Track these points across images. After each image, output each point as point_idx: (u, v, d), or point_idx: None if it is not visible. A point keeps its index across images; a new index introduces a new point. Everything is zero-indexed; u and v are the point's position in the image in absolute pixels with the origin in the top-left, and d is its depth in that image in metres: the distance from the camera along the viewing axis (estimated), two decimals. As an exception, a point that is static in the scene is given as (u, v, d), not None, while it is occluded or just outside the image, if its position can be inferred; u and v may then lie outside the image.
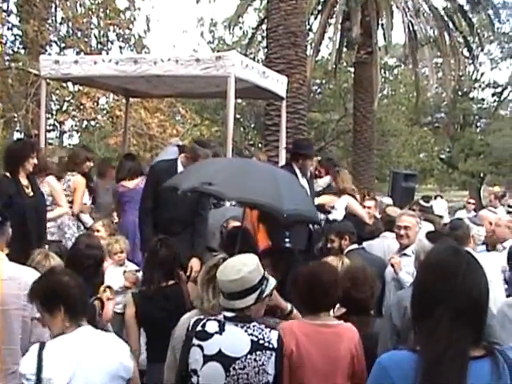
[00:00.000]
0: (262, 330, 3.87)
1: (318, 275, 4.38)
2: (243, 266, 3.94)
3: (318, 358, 4.19)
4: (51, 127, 17.59)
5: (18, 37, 16.53)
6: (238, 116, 26.93)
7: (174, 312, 4.81)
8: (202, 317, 4.04)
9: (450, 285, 2.43)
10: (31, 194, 7.29)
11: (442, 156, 40.17)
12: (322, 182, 9.51)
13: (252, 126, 30.95)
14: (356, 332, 4.38)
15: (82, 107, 15.89)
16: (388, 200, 11.76)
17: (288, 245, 7.31)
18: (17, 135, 19.17)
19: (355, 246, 6.84)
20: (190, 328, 3.95)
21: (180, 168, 7.01)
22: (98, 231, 7.45)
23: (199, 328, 3.91)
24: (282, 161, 9.49)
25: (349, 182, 9.04)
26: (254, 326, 3.88)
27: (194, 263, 6.43)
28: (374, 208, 10.18)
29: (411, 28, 22.98)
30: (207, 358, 3.82)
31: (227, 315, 3.90)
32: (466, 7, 23.79)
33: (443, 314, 2.38)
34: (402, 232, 6.65)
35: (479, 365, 2.37)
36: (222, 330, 3.87)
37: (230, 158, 6.93)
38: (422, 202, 11.74)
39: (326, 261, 5.31)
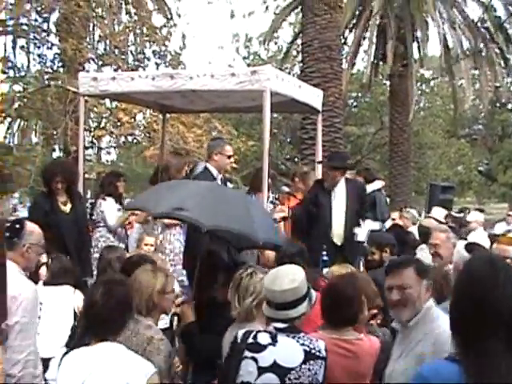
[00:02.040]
0: (312, 340, 3.92)
1: (337, 289, 4.34)
2: (295, 276, 4.01)
3: (337, 372, 4.10)
4: (89, 144, 17.81)
5: (57, 55, 16.81)
6: (274, 130, 26.96)
7: None
8: (250, 329, 4.05)
9: (489, 295, 2.41)
10: (68, 210, 7.47)
11: (481, 168, 39.75)
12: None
13: (288, 140, 30.97)
14: (378, 347, 4.35)
15: (119, 123, 16.07)
16: (413, 211, 11.70)
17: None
18: (56, 153, 19.49)
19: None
20: (239, 340, 3.97)
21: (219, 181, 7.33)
22: (151, 245, 7.57)
23: (251, 340, 3.92)
24: (319, 174, 9.48)
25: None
26: (303, 336, 3.93)
27: None
28: (399, 219, 10.20)
29: (447, 40, 22.89)
30: (262, 370, 3.85)
31: (278, 326, 3.94)
32: (503, 18, 23.56)
33: (489, 326, 2.37)
34: (432, 251, 6.60)
35: None
36: (274, 341, 3.89)
37: (198, 182, 6.88)
38: (454, 213, 11.63)
39: (351, 274, 5.24)
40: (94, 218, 8.43)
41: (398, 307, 3.83)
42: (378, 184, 10.06)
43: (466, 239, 7.09)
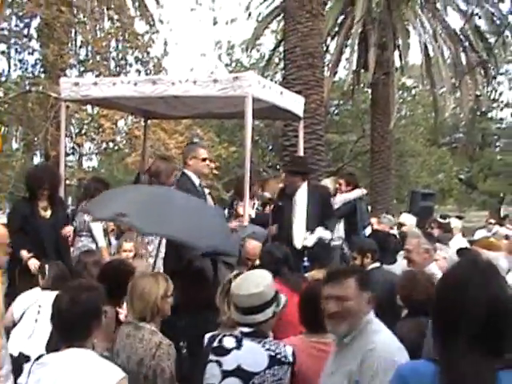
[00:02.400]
0: (278, 345, 3.93)
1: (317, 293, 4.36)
2: (261, 280, 4.01)
3: (316, 374, 4.07)
4: (70, 150, 17.75)
5: (38, 61, 16.77)
6: (256, 137, 27.00)
7: None
8: (217, 333, 4.07)
9: (461, 296, 2.44)
10: (48, 215, 7.46)
11: (461, 176, 40.01)
12: (342, 198, 9.62)
13: (270, 147, 31.03)
14: None
15: (100, 129, 16.05)
16: (390, 217, 11.78)
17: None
18: (36, 158, 19.41)
19: (377, 264, 6.81)
20: (206, 344, 3.99)
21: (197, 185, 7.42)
22: (129, 251, 7.55)
23: (216, 344, 3.94)
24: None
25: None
26: (270, 341, 3.94)
27: None
28: (377, 224, 10.28)
29: (427, 49, 23.06)
30: (226, 374, 3.87)
31: (244, 331, 3.95)
32: (483, 28, 23.80)
33: (462, 326, 2.39)
34: (405, 255, 6.66)
35: (508, 375, 2.37)
36: (239, 345, 3.91)
37: (147, 187, 6.90)
38: (439, 219, 11.74)
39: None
40: (75, 225, 8.28)
41: (335, 319, 3.59)
42: (358, 192, 10.11)
43: (446, 245, 7.15)
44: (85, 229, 8.19)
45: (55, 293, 5.77)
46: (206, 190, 8.19)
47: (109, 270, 5.43)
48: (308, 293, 4.40)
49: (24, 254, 7.20)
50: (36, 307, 5.70)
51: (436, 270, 6.49)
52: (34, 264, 7.07)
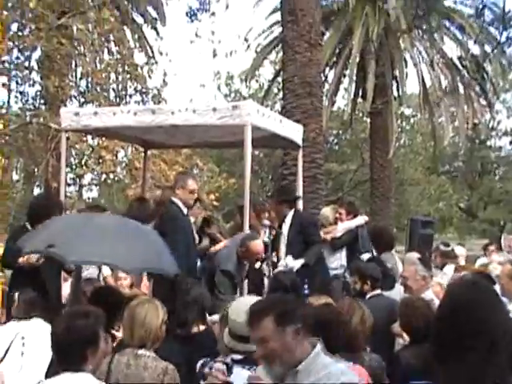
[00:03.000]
0: None
1: (325, 317, 4.38)
2: None
3: None
4: (71, 181, 17.78)
5: (38, 92, 16.86)
6: (255, 167, 27.09)
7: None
8: (208, 359, 4.06)
9: (459, 318, 2.45)
10: None
11: (461, 204, 40.03)
12: (344, 226, 9.65)
13: (269, 177, 31.10)
14: (365, 375, 4.34)
15: (101, 160, 16.09)
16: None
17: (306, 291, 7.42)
18: (37, 190, 19.44)
19: (378, 291, 6.79)
20: (198, 369, 4.01)
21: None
22: (124, 279, 7.55)
23: (206, 370, 3.94)
24: (300, 208, 9.56)
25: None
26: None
27: None
28: None
29: (424, 78, 23.23)
30: None
31: (235, 358, 3.96)
32: (479, 56, 23.99)
33: (462, 348, 2.40)
34: (402, 282, 6.68)
35: None
36: (229, 372, 3.91)
37: (73, 215, 6.93)
38: (441, 246, 11.71)
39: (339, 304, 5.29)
40: None
41: (265, 362, 3.36)
42: (360, 219, 10.11)
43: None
44: None
45: (34, 322, 5.79)
46: (192, 219, 8.22)
47: (96, 296, 5.47)
48: (318, 316, 4.40)
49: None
50: (19, 340, 5.64)
51: (432, 297, 6.49)
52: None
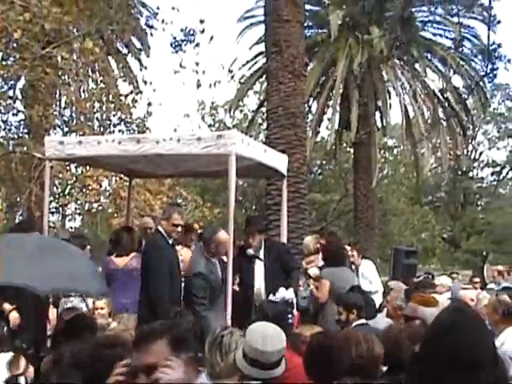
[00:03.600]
0: None
1: (326, 345, 4.39)
2: (282, 334, 4.14)
3: None
4: (54, 210, 17.71)
5: (22, 122, 16.84)
6: (239, 197, 27.11)
7: None
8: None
9: (438, 341, 2.52)
10: None
11: (444, 235, 40.15)
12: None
13: (253, 207, 31.11)
14: None
15: (85, 190, 16.06)
16: None
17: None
18: (19, 219, 19.30)
19: (363, 321, 6.76)
20: None
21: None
22: (102, 308, 7.47)
23: None
24: (284, 240, 9.56)
25: None
26: None
27: None
28: None
29: (407, 109, 23.43)
30: None
31: None
32: (461, 89, 24.30)
33: (447, 368, 2.45)
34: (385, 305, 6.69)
35: None
36: None
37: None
38: (422, 277, 11.73)
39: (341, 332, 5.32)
40: None
41: None
42: None
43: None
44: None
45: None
46: (178, 247, 8.22)
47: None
48: (315, 344, 4.40)
49: (6, 306, 7.15)
50: None
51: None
52: (14, 317, 7.03)
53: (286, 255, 8.69)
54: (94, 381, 3.52)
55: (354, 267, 10.05)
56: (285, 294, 7.97)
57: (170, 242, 7.61)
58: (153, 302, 7.28)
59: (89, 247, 9.16)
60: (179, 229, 7.49)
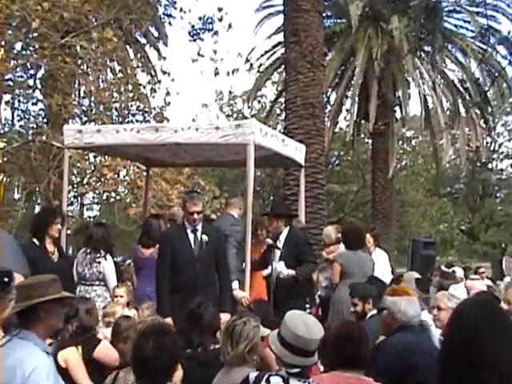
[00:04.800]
0: None
1: (353, 331, 4.41)
2: (319, 323, 4.21)
3: None
4: (72, 199, 17.76)
5: (41, 111, 16.90)
6: (257, 188, 27.09)
7: None
8: (262, 372, 4.14)
9: (482, 342, 2.31)
10: (56, 259, 7.44)
11: (463, 227, 39.96)
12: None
13: (271, 197, 31.11)
14: None
15: (103, 179, 16.07)
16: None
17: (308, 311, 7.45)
18: (38, 208, 19.41)
19: (374, 311, 6.72)
20: (251, 382, 4.06)
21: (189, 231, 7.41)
22: (121, 297, 7.50)
23: (264, 382, 4.01)
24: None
25: None
26: (312, 381, 4.06)
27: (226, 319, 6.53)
28: None
29: (427, 100, 23.29)
30: None
31: (291, 371, 4.04)
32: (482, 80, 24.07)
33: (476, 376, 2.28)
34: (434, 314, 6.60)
35: None
36: None
37: None
38: (443, 267, 11.68)
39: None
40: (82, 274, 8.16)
41: None
42: None
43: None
44: (98, 279, 8.08)
45: None
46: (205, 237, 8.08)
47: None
48: (344, 331, 4.41)
49: None
50: None
51: (428, 319, 6.44)
52: None
53: (301, 245, 8.58)
54: None
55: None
56: (279, 267, 8.03)
57: (189, 230, 7.49)
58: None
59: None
60: (196, 216, 7.40)
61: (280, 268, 8.04)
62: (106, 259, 8.10)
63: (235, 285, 8.08)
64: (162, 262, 7.36)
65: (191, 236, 7.38)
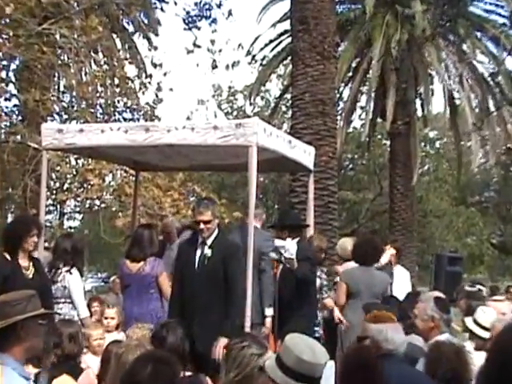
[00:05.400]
0: None
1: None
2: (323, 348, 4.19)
3: None
4: (51, 207, 17.78)
5: (15, 107, 16.90)
6: (260, 195, 27.12)
7: None
8: None
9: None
10: (31, 275, 7.42)
11: (493, 240, 39.88)
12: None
13: (276, 206, 31.13)
14: None
15: (86, 185, 16.09)
16: None
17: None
18: (11, 218, 19.42)
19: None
20: None
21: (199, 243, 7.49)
22: (112, 318, 7.55)
23: None
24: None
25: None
26: None
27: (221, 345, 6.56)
28: None
29: (453, 96, 23.30)
30: None
31: None
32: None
33: None
34: (411, 321, 6.64)
35: None
36: None
37: None
38: (467, 287, 11.64)
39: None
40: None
41: None
42: (388, 255, 10.15)
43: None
44: (64, 295, 8.13)
45: None
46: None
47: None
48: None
49: None
50: None
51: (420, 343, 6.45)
52: None
53: (301, 261, 8.66)
54: None
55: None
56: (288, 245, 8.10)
57: (199, 242, 7.55)
58: None
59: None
60: (202, 226, 7.43)
61: (288, 245, 8.09)
62: (70, 273, 8.12)
63: (269, 312, 8.18)
64: (173, 279, 7.61)
65: (199, 249, 7.44)
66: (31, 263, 7.58)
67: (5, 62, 16.38)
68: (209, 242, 7.40)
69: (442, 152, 34.10)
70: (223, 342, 6.43)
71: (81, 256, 8.64)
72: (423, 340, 6.34)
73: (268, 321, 8.15)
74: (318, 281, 9.05)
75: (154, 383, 3.74)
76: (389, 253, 10.06)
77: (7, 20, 14.43)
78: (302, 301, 8.35)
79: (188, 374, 5.41)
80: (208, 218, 7.32)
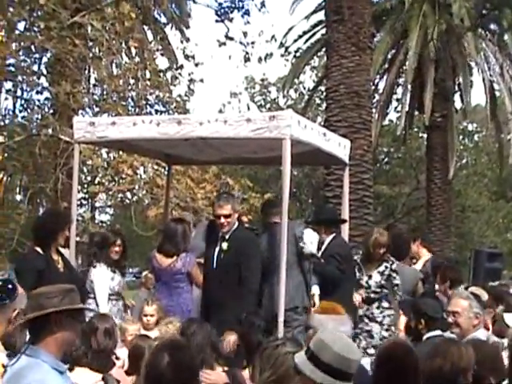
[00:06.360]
0: None
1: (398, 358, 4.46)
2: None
3: None
4: (83, 201, 17.92)
5: (47, 101, 17.00)
6: (293, 189, 27.12)
7: None
8: None
9: None
10: (62, 269, 7.51)
11: (534, 236, 39.59)
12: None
13: (310, 200, 31.12)
14: None
15: (117, 178, 16.17)
16: None
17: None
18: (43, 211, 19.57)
19: (436, 332, 6.59)
20: None
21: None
22: (151, 316, 7.64)
23: None
24: (346, 237, 9.53)
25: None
26: None
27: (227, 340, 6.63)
28: None
29: (493, 87, 23.12)
30: None
31: None
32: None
33: None
34: (451, 319, 6.55)
35: None
36: None
37: None
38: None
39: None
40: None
41: None
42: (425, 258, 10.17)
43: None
44: (91, 290, 8.22)
45: None
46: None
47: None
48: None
49: None
50: None
51: (483, 337, 6.40)
52: None
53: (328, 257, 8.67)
54: None
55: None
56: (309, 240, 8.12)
57: (220, 236, 7.66)
58: None
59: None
60: (222, 220, 7.50)
61: (310, 238, 8.12)
62: (94, 266, 8.26)
63: (315, 289, 8.26)
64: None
65: (218, 245, 7.54)
66: (60, 257, 7.68)
67: (37, 55, 16.50)
68: (227, 236, 7.55)
69: (481, 145, 33.85)
70: (229, 336, 6.52)
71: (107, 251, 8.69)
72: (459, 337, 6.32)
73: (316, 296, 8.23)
74: (377, 277, 8.92)
75: (174, 372, 3.75)
76: (423, 259, 10.10)
77: (39, 12, 14.54)
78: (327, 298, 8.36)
79: (222, 369, 5.46)
80: (228, 212, 7.44)
